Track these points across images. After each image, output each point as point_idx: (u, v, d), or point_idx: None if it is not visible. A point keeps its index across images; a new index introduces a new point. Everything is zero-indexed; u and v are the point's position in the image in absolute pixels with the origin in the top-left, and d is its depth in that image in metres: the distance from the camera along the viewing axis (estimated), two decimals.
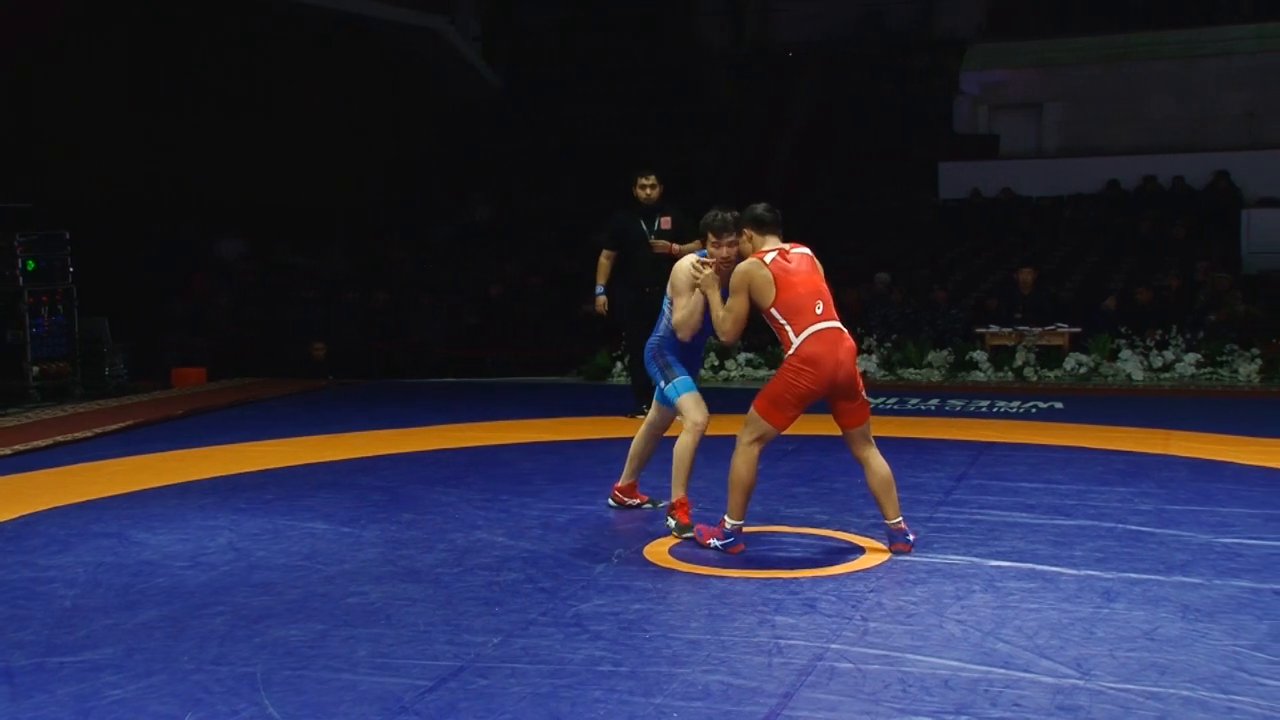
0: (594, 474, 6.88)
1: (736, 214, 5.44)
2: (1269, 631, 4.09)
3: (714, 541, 5.30)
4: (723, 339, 5.40)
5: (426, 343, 14.38)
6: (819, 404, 5.29)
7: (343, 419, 9.60)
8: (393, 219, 19.11)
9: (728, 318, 5.28)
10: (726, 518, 5.27)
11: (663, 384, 5.73)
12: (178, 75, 16.83)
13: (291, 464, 7.62)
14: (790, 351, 5.15)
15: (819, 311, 5.19)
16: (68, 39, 15.32)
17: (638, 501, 6.17)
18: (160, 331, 13.89)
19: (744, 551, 5.26)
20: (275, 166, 17.79)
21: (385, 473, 7.31)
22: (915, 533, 5.37)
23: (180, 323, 14.14)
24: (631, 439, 6.12)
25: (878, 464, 5.28)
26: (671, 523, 5.62)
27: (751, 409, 5.23)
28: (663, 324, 5.76)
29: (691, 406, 5.63)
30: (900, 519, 5.29)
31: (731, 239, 5.39)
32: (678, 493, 5.64)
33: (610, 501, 6.18)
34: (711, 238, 5.47)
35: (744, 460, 5.19)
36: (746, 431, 5.22)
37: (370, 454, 7.94)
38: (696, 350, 5.87)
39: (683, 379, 5.68)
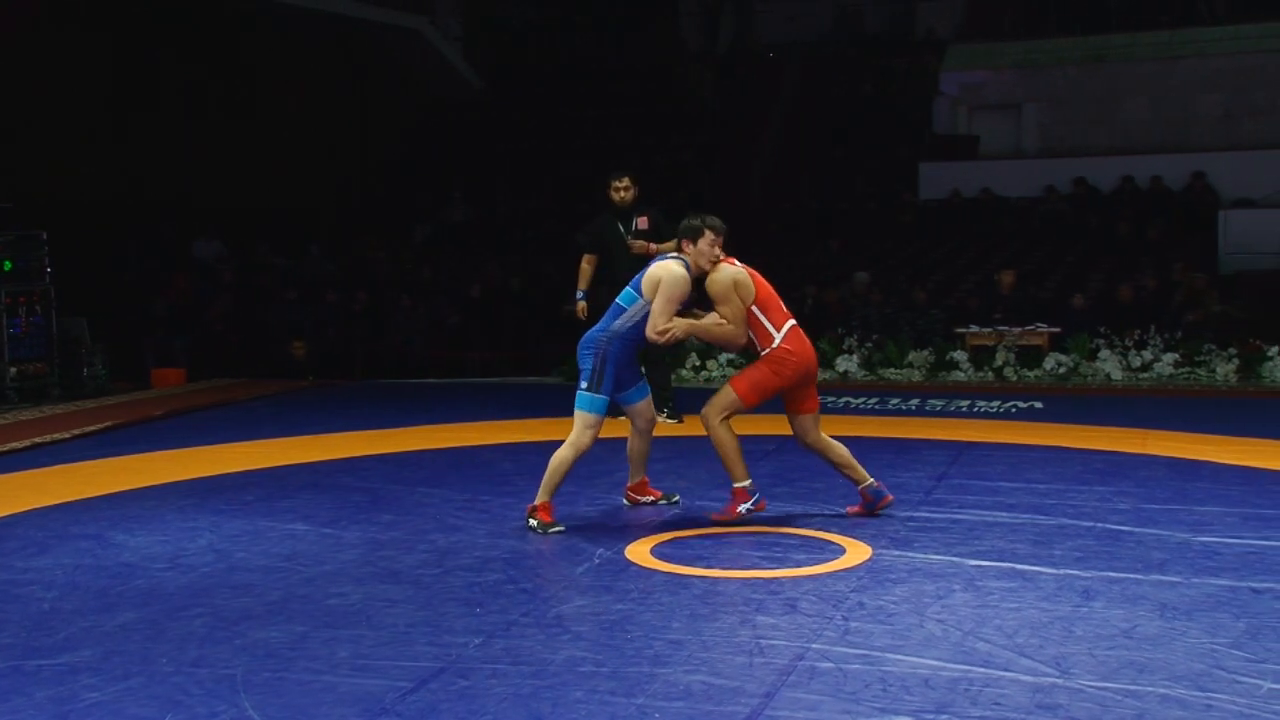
0: (575, 474, 6.82)
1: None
2: (1246, 630, 4.11)
3: (742, 508, 5.69)
4: (739, 343, 5.69)
5: (407, 343, 14.35)
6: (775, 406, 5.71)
7: (323, 420, 9.57)
8: (373, 219, 19.05)
9: (733, 323, 5.58)
10: (736, 484, 5.69)
11: (584, 385, 5.66)
12: (157, 75, 16.76)
13: (272, 465, 7.60)
14: (774, 344, 5.58)
15: (785, 310, 5.72)
16: (44, 38, 15.24)
17: (654, 497, 6.16)
18: (140, 332, 13.82)
19: (762, 511, 5.77)
20: (255, 166, 17.72)
21: (366, 473, 7.29)
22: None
23: (160, 323, 14.07)
24: (613, 439, 6.12)
25: (836, 442, 5.85)
26: (534, 522, 5.68)
27: (729, 388, 5.66)
28: (619, 323, 5.67)
29: (590, 426, 5.66)
30: (873, 479, 5.84)
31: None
32: (543, 497, 5.71)
33: (624, 501, 6.18)
34: (712, 236, 5.62)
35: (724, 430, 5.62)
36: (716, 409, 5.63)
37: (351, 455, 7.92)
38: (634, 363, 5.84)
39: (604, 399, 5.66)
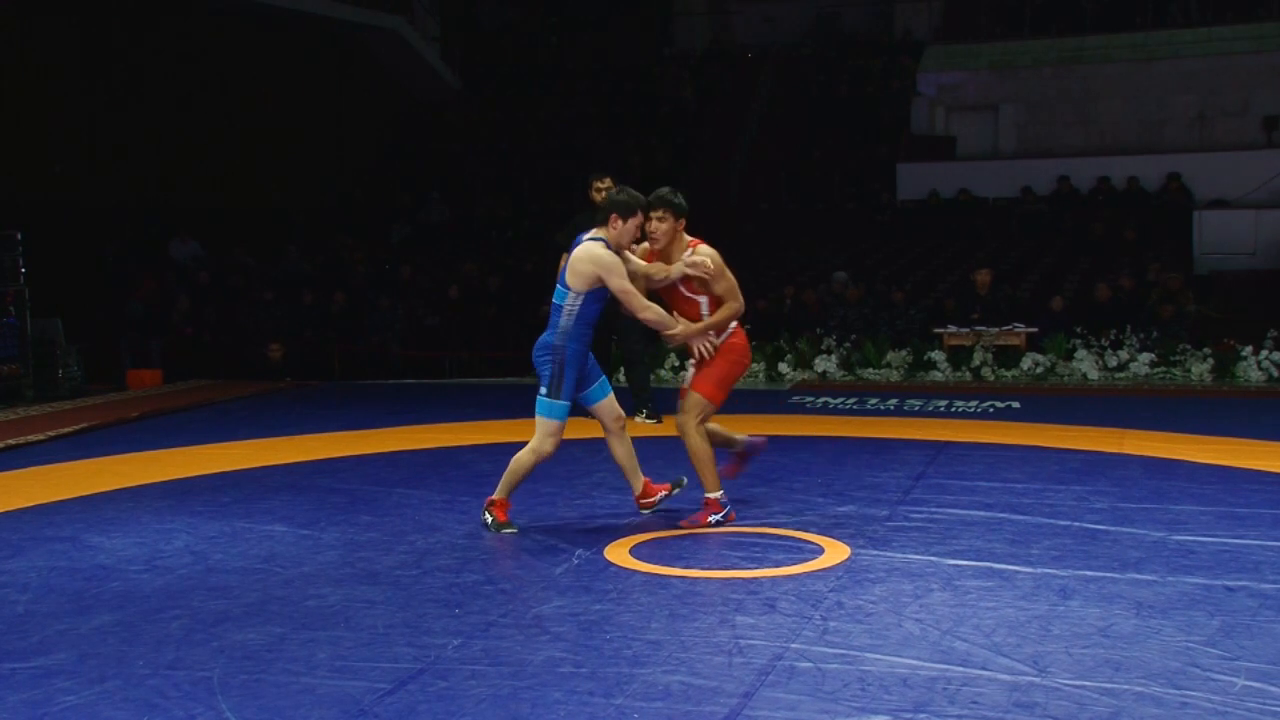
0: (553, 475, 6.86)
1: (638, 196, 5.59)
2: (1220, 627, 4.14)
3: (713, 518, 5.72)
4: (742, 307, 5.68)
5: (385, 344, 14.31)
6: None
7: (301, 421, 9.54)
8: (351, 220, 19.01)
9: (730, 297, 5.62)
10: (709, 494, 5.74)
11: (544, 390, 5.58)
12: (132, 75, 16.66)
13: (249, 466, 7.56)
14: (726, 335, 5.70)
15: None
16: (16, 37, 15.13)
17: (663, 493, 5.94)
18: (115, 333, 13.74)
19: (731, 522, 5.75)
20: (233, 167, 17.64)
21: (344, 474, 7.27)
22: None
23: (135, 324, 13.99)
24: (596, 439, 6.09)
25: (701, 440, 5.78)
26: (488, 518, 5.70)
27: (694, 394, 5.70)
28: (564, 322, 5.52)
29: (551, 434, 5.61)
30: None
31: (659, 214, 5.60)
32: (500, 494, 5.71)
33: (643, 511, 5.99)
34: (638, 220, 5.51)
35: (699, 437, 5.69)
36: (692, 414, 5.69)
37: (329, 456, 7.89)
38: (588, 358, 5.72)
39: (564, 405, 5.58)
